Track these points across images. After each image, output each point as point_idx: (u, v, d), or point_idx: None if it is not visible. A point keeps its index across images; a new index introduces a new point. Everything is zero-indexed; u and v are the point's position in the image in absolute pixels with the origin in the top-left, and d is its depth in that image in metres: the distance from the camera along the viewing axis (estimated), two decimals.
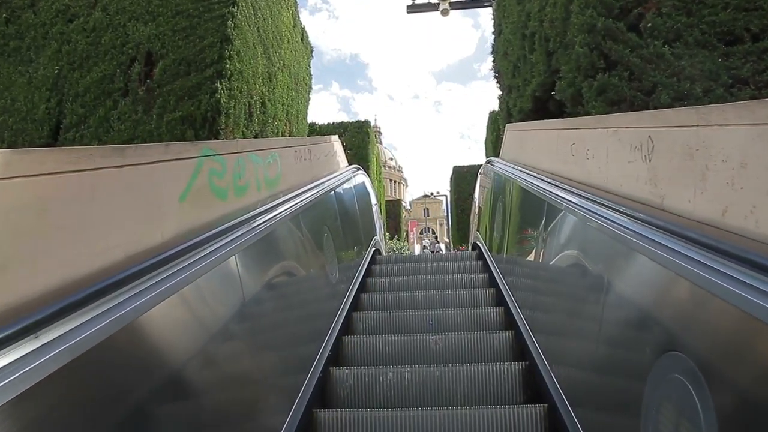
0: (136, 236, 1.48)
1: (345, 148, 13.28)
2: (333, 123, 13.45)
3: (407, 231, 41.34)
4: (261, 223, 2.13)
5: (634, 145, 1.91)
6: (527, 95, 4.48)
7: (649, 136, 1.79)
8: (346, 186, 4.24)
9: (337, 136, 5.12)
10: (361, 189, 5.03)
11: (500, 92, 6.21)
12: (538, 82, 4.12)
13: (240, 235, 1.91)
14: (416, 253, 24.88)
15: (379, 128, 72.97)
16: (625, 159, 1.97)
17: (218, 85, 3.77)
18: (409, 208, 61.04)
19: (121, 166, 1.46)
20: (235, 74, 3.94)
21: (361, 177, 5.16)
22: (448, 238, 32.07)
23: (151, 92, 3.81)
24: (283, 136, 5.35)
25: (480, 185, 5.76)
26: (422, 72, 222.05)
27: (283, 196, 2.76)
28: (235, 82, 3.94)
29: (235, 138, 3.95)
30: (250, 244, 1.98)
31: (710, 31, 2.87)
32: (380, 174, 17.11)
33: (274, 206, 2.46)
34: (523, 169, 3.43)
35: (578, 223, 2.10)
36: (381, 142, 71.13)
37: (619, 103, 2.91)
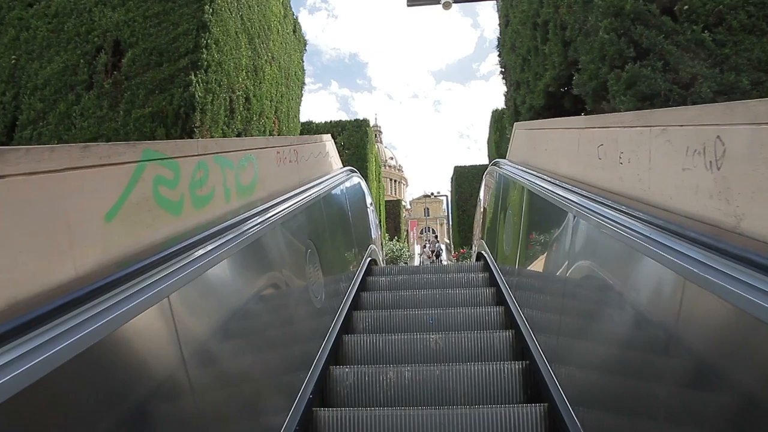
0: (29, 273, 1.07)
1: (342, 147, 12.90)
2: (330, 122, 13.02)
3: (407, 230, 41.02)
4: (221, 244, 1.71)
5: (693, 147, 1.50)
6: (539, 91, 4.07)
7: (718, 137, 1.38)
8: (337, 191, 3.82)
9: (329, 135, 4.70)
10: (356, 194, 4.61)
11: (506, 89, 5.80)
12: (552, 76, 3.71)
13: (191, 261, 1.50)
14: (416, 255, 24.42)
15: (380, 127, 72.64)
16: (677, 165, 1.56)
17: (193, 77, 3.35)
18: (409, 207, 60.78)
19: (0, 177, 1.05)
20: (213, 65, 3.52)
21: (356, 180, 4.74)
22: (449, 239, 31.65)
23: (118, 85, 3.40)
24: (270, 134, 4.93)
25: (485, 188, 5.33)
26: (421, 71, 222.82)
27: (262, 204, 2.35)
28: (213, 74, 3.52)
29: (213, 137, 3.54)
30: (205, 273, 1.56)
31: (758, 14, 2.46)
32: (380, 174, 16.69)
33: (245, 219, 2.05)
34: (538, 174, 3.02)
35: (618, 245, 1.68)
36: (381, 141, 70.79)
37: (652, 97, 2.50)
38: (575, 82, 3.20)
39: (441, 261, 23.25)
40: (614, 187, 2.07)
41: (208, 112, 3.44)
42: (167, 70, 3.39)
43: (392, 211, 28.91)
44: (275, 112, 5.04)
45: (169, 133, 3.24)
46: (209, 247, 1.58)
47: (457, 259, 17.68)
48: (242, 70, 4.10)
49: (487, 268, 4.17)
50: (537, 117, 4.38)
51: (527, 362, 2.43)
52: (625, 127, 2.08)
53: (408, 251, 23.07)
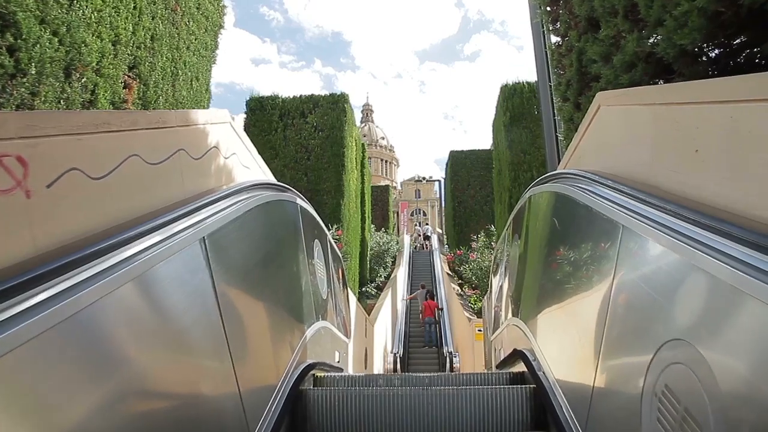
0: None
1: (314, 129, 10.37)
2: (300, 96, 10.45)
3: (397, 212, 39.08)
4: None
5: None
6: (686, 12, 1.74)
7: None
8: (177, 265, 1.43)
9: (223, 113, 2.33)
10: (261, 243, 2.13)
11: (555, 38, 3.44)
12: None
13: None
14: (406, 246, 22.00)
15: (371, 106, 70.11)
16: None
17: None
18: (400, 189, 58.90)
19: None
20: None
21: (270, 211, 2.31)
22: (441, 228, 29.38)
23: None
24: (117, 107, 2.55)
25: (525, 233, 2.78)
26: (405, 51, 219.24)
27: None
28: None
29: None
30: None
31: None
32: (363, 160, 14.23)
33: None
34: None
35: None
36: (373, 121, 68.05)
37: None
38: None
39: (432, 244, 23.06)
40: None
41: None
42: None
43: (380, 198, 26.52)
44: (131, 68, 2.63)
45: None
46: None
47: (452, 263, 15.40)
48: None
49: (550, 416, 1.89)
50: (654, 77, 2.09)
51: None
52: None
53: (397, 244, 20.74)
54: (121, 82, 2.68)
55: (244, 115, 10.29)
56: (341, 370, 3.39)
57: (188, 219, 1.57)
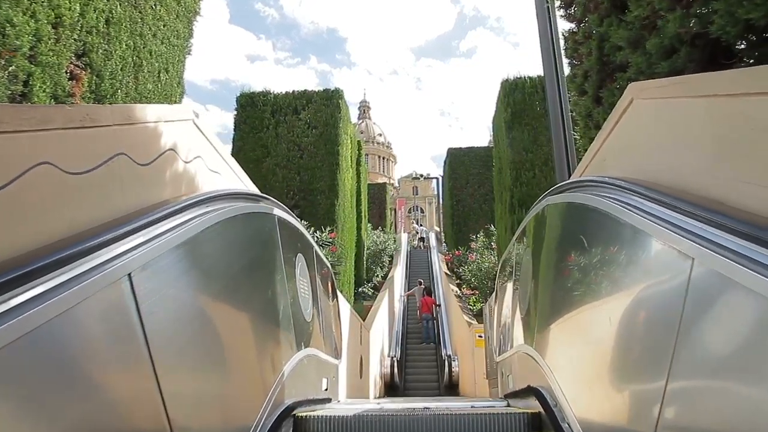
0: None
1: (308, 126, 9.97)
2: (293, 92, 10.02)
3: (394, 209, 38.81)
4: None
5: None
6: None
7: None
8: None
9: (184, 110, 1.94)
10: (235, 272, 1.74)
11: (570, 24, 3.06)
12: None
13: None
14: (403, 244, 21.58)
15: (368, 103, 69.62)
16: None
17: None
18: (397, 186, 58.56)
19: None
20: None
21: (249, 225, 1.90)
22: (439, 227, 28.98)
23: None
24: (62, 101, 2.17)
25: (540, 250, 2.40)
26: (401, 48, 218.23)
27: None
28: None
29: None
30: None
31: None
32: (359, 158, 13.82)
33: None
34: None
35: None
36: (370, 117, 67.57)
37: None
38: None
39: (429, 242, 22.63)
40: None
41: None
42: None
43: (377, 196, 26.07)
44: (79, 56, 2.24)
45: None
46: None
47: (450, 263, 15.06)
48: None
49: None
50: (702, 63, 1.72)
51: None
52: None
53: (394, 243, 20.35)
54: (66, 73, 2.30)
55: (235, 112, 9.86)
56: (329, 400, 3.03)
57: (113, 248, 1.19)
